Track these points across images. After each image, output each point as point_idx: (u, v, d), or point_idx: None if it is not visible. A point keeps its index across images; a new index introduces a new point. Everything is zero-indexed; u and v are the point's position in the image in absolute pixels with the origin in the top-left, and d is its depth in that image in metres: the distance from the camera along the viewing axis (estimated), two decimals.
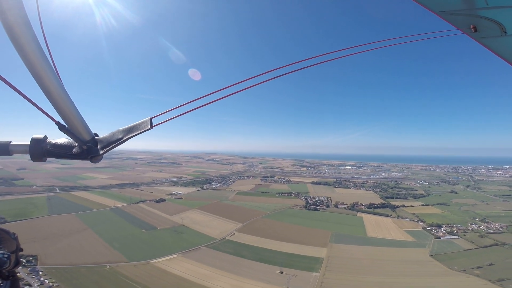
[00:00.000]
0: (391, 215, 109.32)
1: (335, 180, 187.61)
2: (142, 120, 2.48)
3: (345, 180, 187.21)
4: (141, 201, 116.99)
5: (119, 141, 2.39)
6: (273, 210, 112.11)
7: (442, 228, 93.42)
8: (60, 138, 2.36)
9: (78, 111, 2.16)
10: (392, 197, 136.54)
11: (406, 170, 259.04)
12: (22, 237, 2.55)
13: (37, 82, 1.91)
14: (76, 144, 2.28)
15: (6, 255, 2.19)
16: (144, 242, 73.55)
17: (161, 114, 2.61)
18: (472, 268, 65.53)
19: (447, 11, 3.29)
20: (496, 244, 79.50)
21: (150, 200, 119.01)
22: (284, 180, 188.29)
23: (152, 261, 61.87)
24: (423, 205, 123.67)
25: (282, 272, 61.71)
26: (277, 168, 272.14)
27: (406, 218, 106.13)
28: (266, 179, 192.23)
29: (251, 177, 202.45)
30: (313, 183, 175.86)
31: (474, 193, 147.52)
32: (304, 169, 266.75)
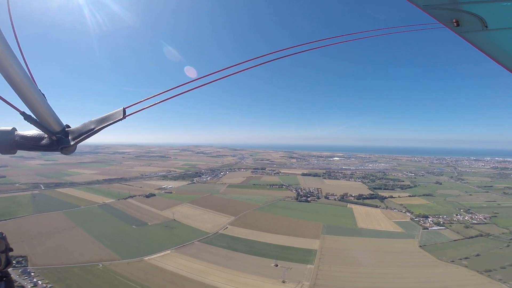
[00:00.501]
0: (380, 206, 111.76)
1: (324, 171, 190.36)
2: (115, 111, 2.41)
3: (334, 171, 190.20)
4: (130, 196, 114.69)
5: (91, 131, 2.35)
6: (265, 202, 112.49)
7: (429, 219, 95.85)
8: (31, 130, 2.29)
9: (46, 102, 2.15)
10: (380, 188, 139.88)
11: (393, 161, 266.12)
12: (8, 237, 2.48)
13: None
14: (46, 135, 2.22)
15: None
16: (136, 238, 72.17)
17: (135, 104, 2.52)
18: (460, 259, 67.14)
19: (430, 5, 3.34)
20: (481, 235, 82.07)
21: (139, 195, 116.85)
22: (274, 172, 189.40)
23: (146, 258, 60.83)
24: (410, 196, 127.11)
25: (277, 265, 62.12)
26: (267, 160, 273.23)
27: (394, 209, 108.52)
28: (257, 171, 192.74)
29: (242, 170, 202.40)
30: (303, 174, 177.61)
31: (458, 184, 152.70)
32: (294, 160, 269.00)
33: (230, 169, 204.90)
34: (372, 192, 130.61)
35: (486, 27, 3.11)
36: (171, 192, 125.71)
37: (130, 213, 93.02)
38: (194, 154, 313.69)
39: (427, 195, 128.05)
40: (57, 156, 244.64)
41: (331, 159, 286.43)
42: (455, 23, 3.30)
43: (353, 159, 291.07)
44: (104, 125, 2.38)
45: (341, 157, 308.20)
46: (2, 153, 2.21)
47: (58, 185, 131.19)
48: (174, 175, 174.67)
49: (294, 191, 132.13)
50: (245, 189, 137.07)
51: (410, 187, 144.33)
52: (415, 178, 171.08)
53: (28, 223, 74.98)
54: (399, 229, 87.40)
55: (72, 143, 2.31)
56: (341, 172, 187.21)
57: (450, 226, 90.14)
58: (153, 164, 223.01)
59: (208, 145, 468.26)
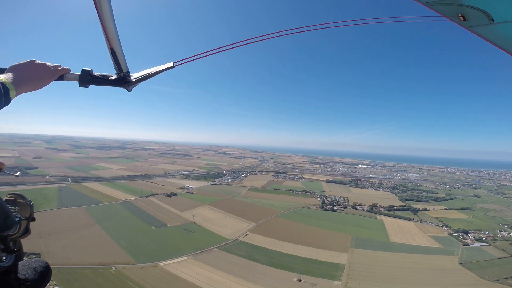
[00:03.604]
0: (413, 218, 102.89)
1: (350, 179, 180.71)
2: (166, 64, 2.95)
3: (361, 180, 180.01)
4: (152, 194, 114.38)
5: (148, 74, 2.85)
6: (287, 209, 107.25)
7: (470, 235, 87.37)
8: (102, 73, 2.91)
9: (121, 48, 2.66)
10: (412, 200, 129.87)
11: (424, 172, 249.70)
12: None
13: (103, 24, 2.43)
14: (114, 75, 2.78)
15: (17, 218, 2.25)
16: (153, 240, 70.00)
17: (183, 59, 2.98)
18: (506, 278, 60.34)
19: (433, 1, 3.24)
20: None
21: (161, 194, 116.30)
22: (297, 177, 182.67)
23: (161, 264, 58.01)
24: (446, 209, 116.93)
25: (300, 280, 56.98)
26: (289, 164, 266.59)
27: (429, 222, 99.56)
28: (278, 175, 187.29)
29: (263, 173, 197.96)
30: (327, 181, 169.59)
31: (499, 198, 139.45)
32: (317, 166, 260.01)
33: (251, 171, 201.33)
34: (403, 204, 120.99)
35: (492, 20, 2.95)
36: (192, 193, 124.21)
37: (150, 212, 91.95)
38: (216, 154, 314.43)
39: (465, 209, 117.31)
40: (87, 150, 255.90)
41: (356, 166, 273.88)
42: (461, 18, 3.14)
43: (380, 167, 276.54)
44: (158, 70, 2.87)
45: (367, 165, 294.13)
46: (80, 86, 2.60)
47: (84, 179, 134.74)
48: (197, 174, 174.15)
49: (318, 199, 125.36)
50: (266, 193, 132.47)
51: (445, 200, 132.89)
52: (450, 190, 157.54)
53: (50, 218, 75.36)
54: (437, 244, 79.51)
55: (133, 79, 2.78)
56: (368, 181, 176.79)
57: (494, 242, 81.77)
58: (177, 162, 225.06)
59: (230, 146, 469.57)
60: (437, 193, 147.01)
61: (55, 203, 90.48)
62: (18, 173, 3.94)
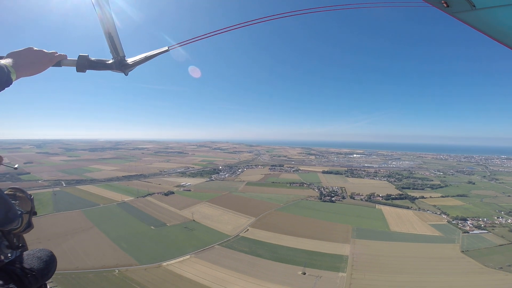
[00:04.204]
0: (411, 207, 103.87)
1: (346, 169, 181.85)
2: (162, 48, 3.06)
3: (356, 169, 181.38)
4: (149, 194, 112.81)
5: (144, 58, 2.94)
6: (286, 202, 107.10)
7: (469, 222, 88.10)
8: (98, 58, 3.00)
9: (118, 36, 2.76)
10: (408, 188, 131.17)
11: (417, 159, 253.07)
12: (25, 238, 2.61)
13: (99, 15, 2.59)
14: (110, 59, 2.84)
15: (19, 211, 2.31)
16: (154, 241, 69.00)
17: (177, 44, 3.10)
18: (509, 265, 60.63)
19: None
20: None
21: (158, 193, 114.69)
22: (293, 169, 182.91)
23: (164, 264, 57.07)
24: (442, 196, 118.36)
25: (305, 273, 56.84)
26: (284, 156, 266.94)
27: (427, 210, 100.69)
28: (274, 168, 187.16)
29: (259, 166, 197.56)
30: (324, 172, 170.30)
31: (493, 184, 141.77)
32: (313, 157, 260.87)
33: (247, 165, 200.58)
34: (400, 192, 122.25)
35: (474, 6, 2.98)
36: (189, 190, 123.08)
37: (148, 213, 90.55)
38: (211, 150, 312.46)
39: (461, 196, 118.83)
40: (79, 152, 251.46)
41: (351, 156, 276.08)
42: (444, 4, 3.16)
43: (374, 156, 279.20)
44: (153, 54, 2.95)
45: (361, 154, 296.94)
46: (78, 71, 2.64)
47: (79, 182, 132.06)
48: (193, 171, 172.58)
49: (316, 190, 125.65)
50: (264, 187, 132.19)
51: (441, 187, 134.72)
52: (444, 177, 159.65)
53: (47, 222, 73.35)
54: (437, 232, 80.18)
55: (130, 63, 2.85)
56: (364, 170, 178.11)
57: (493, 229, 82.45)
58: (172, 160, 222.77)
59: (225, 141, 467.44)
60: (432, 180, 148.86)
61: (51, 208, 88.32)
62: (16, 165, 3.85)
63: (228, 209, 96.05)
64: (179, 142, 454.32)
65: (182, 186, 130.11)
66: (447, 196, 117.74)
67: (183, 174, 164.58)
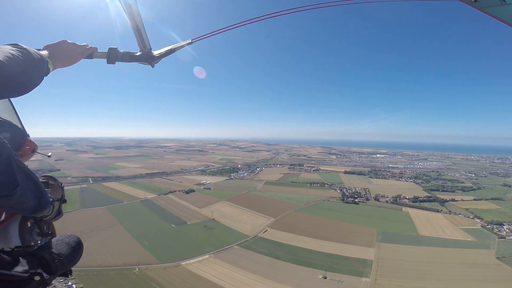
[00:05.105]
0: (441, 210, 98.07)
1: (369, 169, 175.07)
2: (185, 41, 3.05)
3: (380, 170, 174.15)
4: (171, 191, 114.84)
5: (169, 50, 2.97)
6: (306, 202, 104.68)
7: (505, 227, 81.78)
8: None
9: (144, 26, 2.76)
10: (437, 190, 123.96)
11: (446, 160, 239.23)
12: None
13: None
14: (138, 51, 2.87)
15: (51, 198, 2.36)
16: (174, 239, 69.71)
17: (201, 36, 3.06)
18: None
19: None
20: None
21: (179, 191, 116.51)
22: (313, 169, 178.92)
23: (183, 263, 57.28)
24: (475, 199, 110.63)
25: (325, 277, 54.83)
26: (304, 155, 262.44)
27: (459, 214, 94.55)
28: (294, 167, 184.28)
29: (278, 165, 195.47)
30: (345, 172, 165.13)
31: None
32: (334, 157, 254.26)
33: (266, 164, 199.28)
34: (429, 194, 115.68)
35: (504, 1, 2.80)
36: (209, 188, 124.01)
37: (170, 210, 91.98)
38: (230, 148, 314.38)
39: (496, 199, 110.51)
40: (106, 150, 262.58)
41: (374, 156, 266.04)
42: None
43: (399, 156, 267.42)
44: (177, 46, 2.97)
45: (385, 154, 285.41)
46: (108, 63, 2.68)
47: (105, 179, 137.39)
48: (212, 170, 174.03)
49: (338, 191, 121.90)
50: (283, 186, 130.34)
51: (473, 189, 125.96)
52: (476, 179, 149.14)
53: (74, 219, 76.34)
54: (470, 237, 75.05)
55: (156, 55, 2.88)
56: (389, 171, 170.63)
57: None
58: (192, 158, 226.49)
59: (243, 140, 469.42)
60: (463, 182, 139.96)
61: (78, 204, 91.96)
62: (50, 153, 3.85)
63: (247, 208, 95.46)
64: (199, 140, 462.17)
65: (202, 184, 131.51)
66: (481, 199, 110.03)
67: (203, 172, 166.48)
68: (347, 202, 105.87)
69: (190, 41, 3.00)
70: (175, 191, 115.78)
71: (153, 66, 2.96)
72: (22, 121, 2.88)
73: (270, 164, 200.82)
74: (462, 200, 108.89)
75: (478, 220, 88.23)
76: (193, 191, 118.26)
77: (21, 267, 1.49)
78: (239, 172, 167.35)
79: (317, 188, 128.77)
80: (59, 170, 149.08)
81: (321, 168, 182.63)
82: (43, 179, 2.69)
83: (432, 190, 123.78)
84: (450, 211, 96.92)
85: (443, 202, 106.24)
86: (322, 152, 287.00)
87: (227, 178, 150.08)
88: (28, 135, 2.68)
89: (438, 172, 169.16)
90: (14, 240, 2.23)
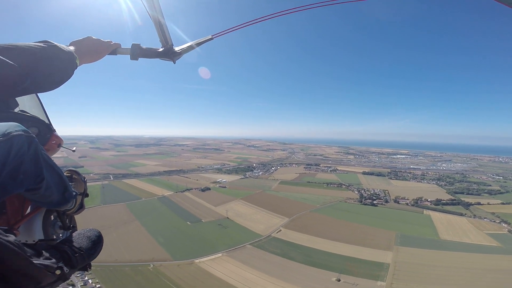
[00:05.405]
0: (465, 214, 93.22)
1: (389, 170, 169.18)
2: (205, 37, 3.00)
3: (401, 171, 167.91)
4: (187, 189, 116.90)
5: (190, 46, 2.94)
6: (323, 203, 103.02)
7: None
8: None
9: (167, 26, 2.77)
10: (462, 193, 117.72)
11: (471, 161, 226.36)
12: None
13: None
14: (160, 48, 2.87)
15: (74, 192, 2.39)
16: (189, 236, 70.86)
17: (220, 32, 3.02)
18: None
19: None
20: None
21: (195, 189, 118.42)
22: (330, 169, 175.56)
23: (196, 261, 58.07)
24: (502, 203, 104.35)
25: (339, 280, 53.70)
26: (320, 155, 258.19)
27: (484, 218, 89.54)
28: (310, 167, 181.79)
29: (294, 165, 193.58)
30: (364, 173, 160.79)
31: None
32: (351, 157, 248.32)
33: (281, 164, 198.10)
34: (452, 197, 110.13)
35: None
36: (225, 187, 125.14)
37: (186, 208, 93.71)
38: (245, 147, 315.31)
39: None
40: (127, 148, 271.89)
41: (394, 156, 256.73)
42: None
43: (421, 157, 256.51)
44: (198, 42, 2.94)
45: (406, 154, 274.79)
46: (132, 59, 2.71)
47: (125, 176, 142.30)
48: (228, 168, 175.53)
49: (356, 192, 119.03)
50: (299, 186, 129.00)
51: (501, 193, 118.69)
52: (505, 182, 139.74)
53: (94, 214, 79.29)
54: (495, 242, 71.08)
55: (178, 51, 2.88)
56: (410, 172, 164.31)
57: None
58: (209, 156, 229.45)
59: (258, 139, 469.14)
60: (490, 185, 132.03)
61: (98, 200, 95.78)
62: (74, 148, 3.91)
63: (261, 207, 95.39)
64: (216, 139, 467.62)
65: (218, 182, 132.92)
66: (509, 203, 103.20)
67: (219, 170, 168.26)
68: (365, 204, 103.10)
69: (211, 37, 2.96)
70: (192, 189, 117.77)
71: (174, 62, 2.96)
72: (49, 116, 2.88)
73: (285, 164, 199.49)
74: (488, 203, 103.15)
75: (505, 225, 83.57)
76: (209, 189, 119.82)
77: (44, 261, 1.46)
78: (254, 171, 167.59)
79: (334, 189, 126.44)
80: (82, 166, 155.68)
81: (338, 168, 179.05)
82: (68, 173, 2.75)
83: (456, 192, 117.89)
84: (475, 215, 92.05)
85: (467, 205, 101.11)
86: (339, 152, 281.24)
87: (242, 176, 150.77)
88: (54, 130, 2.67)
89: (463, 174, 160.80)
90: (37, 233, 2.26)
